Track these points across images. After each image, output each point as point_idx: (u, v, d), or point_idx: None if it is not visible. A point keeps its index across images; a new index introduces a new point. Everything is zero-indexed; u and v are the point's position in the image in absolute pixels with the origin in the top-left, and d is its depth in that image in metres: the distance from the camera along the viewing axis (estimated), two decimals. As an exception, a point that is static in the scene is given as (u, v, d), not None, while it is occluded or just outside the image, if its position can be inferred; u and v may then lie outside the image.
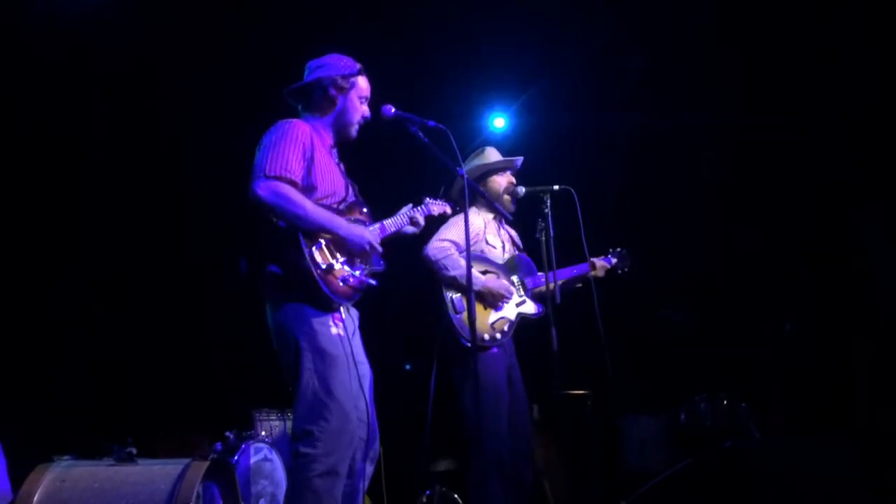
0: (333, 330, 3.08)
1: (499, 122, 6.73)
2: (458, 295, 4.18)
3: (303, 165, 3.14)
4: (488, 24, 5.79)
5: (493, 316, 4.23)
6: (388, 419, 3.38)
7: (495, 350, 4.16)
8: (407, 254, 4.01)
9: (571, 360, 3.93)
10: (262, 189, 3.03)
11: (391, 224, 3.47)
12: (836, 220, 5.89)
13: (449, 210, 3.83)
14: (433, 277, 4.21)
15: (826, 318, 5.51)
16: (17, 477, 3.43)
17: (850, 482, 3.55)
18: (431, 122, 3.31)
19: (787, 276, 5.94)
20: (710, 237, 6.23)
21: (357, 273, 3.18)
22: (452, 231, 4.26)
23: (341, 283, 3.11)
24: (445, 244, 4.20)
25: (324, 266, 3.05)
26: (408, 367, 5.63)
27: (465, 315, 4.12)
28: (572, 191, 4.09)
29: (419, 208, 3.63)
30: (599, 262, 4.60)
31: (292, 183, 3.08)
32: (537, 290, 4.39)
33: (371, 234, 3.28)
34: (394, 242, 3.55)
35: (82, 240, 5.76)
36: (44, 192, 5.62)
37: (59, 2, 5.10)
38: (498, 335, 4.19)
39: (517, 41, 5.93)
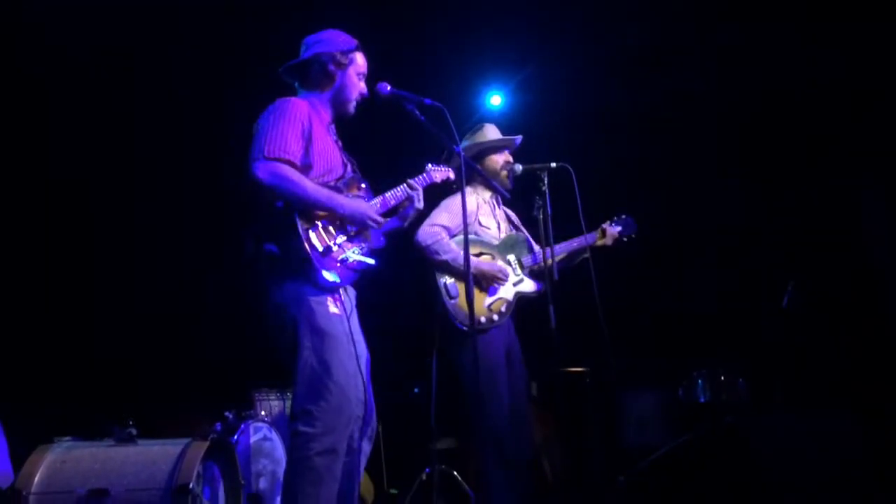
0: (332, 309, 3.08)
1: (495, 100, 6.70)
2: (452, 280, 4.16)
3: (301, 145, 3.13)
4: (485, 1, 5.75)
5: (490, 298, 4.22)
6: (387, 398, 3.39)
7: (493, 331, 4.16)
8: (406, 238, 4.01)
9: (569, 337, 3.93)
10: (261, 170, 3.02)
11: (392, 197, 3.44)
12: (836, 195, 5.89)
13: (452, 175, 3.74)
14: (425, 263, 4.20)
15: (825, 292, 5.51)
16: (18, 458, 3.44)
17: (849, 456, 3.56)
18: (428, 100, 3.29)
19: (786, 251, 5.94)
20: (709, 213, 6.23)
21: (356, 253, 3.17)
22: (443, 215, 4.24)
23: (339, 265, 3.10)
24: (436, 229, 4.18)
25: (321, 248, 3.04)
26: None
27: (458, 300, 4.12)
28: (570, 168, 4.07)
29: (421, 177, 3.57)
30: (610, 230, 4.56)
31: (291, 164, 3.06)
32: (536, 267, 4.38)
33: (371, 208, 3.27)
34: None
35: (82, 223, 5.74)
36: (44, 176, 5.61)
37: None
38: (495, 316, 4.18)
39: (514, 18, 5.89)
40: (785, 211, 6.07)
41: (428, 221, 4.18)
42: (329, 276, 3.03)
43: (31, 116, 5.48)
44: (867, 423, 3.76)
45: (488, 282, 4.20)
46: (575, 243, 4.42)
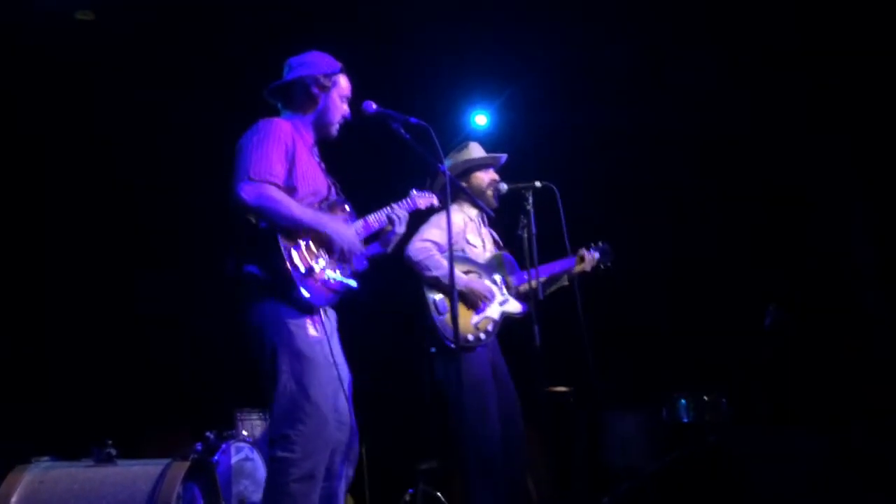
0: (311, 332, 3.05)
1: (480, 119, 6.72)
2: (441, 296, 4.16)
3: (285, 167, 3.12)
4: (470, 20, 5.78)
5: (477, 316, 4.21)
6: (371, 418, 3.37)
7: (479, 350, 4.15)
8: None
9: (554, 357, 3.93)
10: (246, 192, 3.00)
11: (375, 220, 3.45)
12: (820, 214, 5.94)
13: (436, 201, 3.77)
14: (415, 279, 4.20)
15: (808, 310, 5.55)
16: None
17: (834, 474, 3.57)
18: (413, 119, 3.30)
19: (769, 271, 5.98)
20: (693, 233, 6.26)
21: (338, 274, 3.16)
22: (433, 231, 4.24)
23: (321, 286, 3.09)
24: (427, 244, 4.18)
25: (303, 269, 3.02)
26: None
27: (447, 317, 4.11)
28: (554, 187, 4.09)
29: (404, 201, 3.59)
30: (588, 255, 4.58)
31: (275, 186, 3.06)
32: (521, 288, 4.38)
33: (357, 237, 3.27)
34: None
35: (69, 243, 5.70)
36: (36, 188, 5.59)
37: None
38: (482, 335, 4.17)
39: (499, 38, 5.93)
40: (769, 230, 6.11)
41: (418, 237, 4.18)
42: (310, 296, 3.01)
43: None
44: (851, 440, 3.77)
45: (476, 300, 4.20)
46: (557, 267, 4.45)
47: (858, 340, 5.52)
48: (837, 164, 5.84)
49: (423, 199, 3.69)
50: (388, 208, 3.50)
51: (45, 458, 3.42)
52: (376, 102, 3.31)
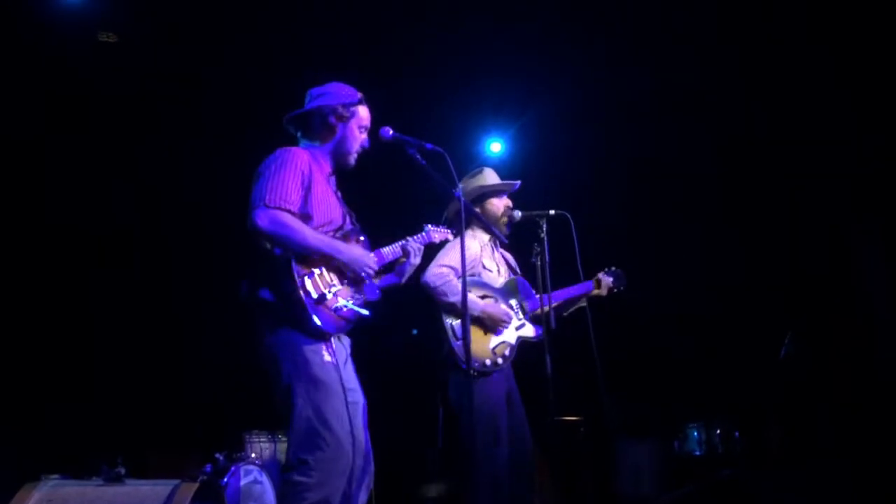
0: (326, 357, 3.05)
1: (495, 147, 6.75)
2: (458, 321, 4.15)
3: (301, 194, 3.14)
4: (486, 48, 5.83)
5: (494, 340, 4.20)
6: (380, 444, 3.35)
7: (495, 375, 4.14)
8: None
9: (566, 386, 3.91)
10: (261, 219, 3.02)
11: (389, 252, 3.46)
12: (832, 245, 5.91)
13: (451, 236, 3.82)
14: (433, 304, 4.20)
15: (822, 343, 5.51)
16: (5, 495, 3.39)
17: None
18: (429, 145, 3.31)
19: (784, 302, 5.95)
20: (707, 262, 6.24)
21: (350, 303, 3.16)
22: (450, 256, 4.24)
23: (333, 314, 3.09)
24: (444, 270, 4.18)
25: (315, 296, 3.03)
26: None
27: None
28: (568, 216, 4.09)
29: (419, 236, 3.61)
30: (604, 279, 4.56)
31: (290, 213, 3.08)
32: (536, 312, 4.37)
33: (370, 257, 3.28)
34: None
35: (80, 266, 5.74)
36: (42, 221, 5.63)
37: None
38: (499, 360, 4.16)
39: (515, 66, 5.97)
40: (782, 259, 6.08)
41: (435, 262, 4.18)
42: (322, 323, 3.01)
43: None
44: (865, 475, 3.73)
45: (494, 324, 4.20)
46: (573, 291, 4.43)
47: (873, 371, 5.47)
48: (848, 199, 5.82)
49: (438, 234, 3.72)
50: (404, 241, 3.52)
51: (55, 476, 3.43)
52: (393, 128, 3.33)
